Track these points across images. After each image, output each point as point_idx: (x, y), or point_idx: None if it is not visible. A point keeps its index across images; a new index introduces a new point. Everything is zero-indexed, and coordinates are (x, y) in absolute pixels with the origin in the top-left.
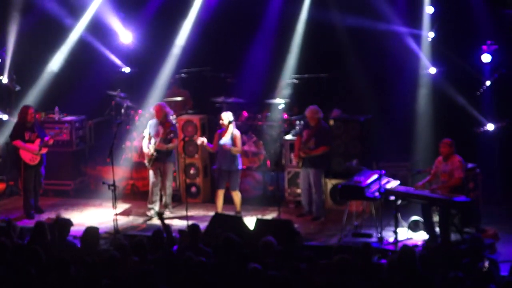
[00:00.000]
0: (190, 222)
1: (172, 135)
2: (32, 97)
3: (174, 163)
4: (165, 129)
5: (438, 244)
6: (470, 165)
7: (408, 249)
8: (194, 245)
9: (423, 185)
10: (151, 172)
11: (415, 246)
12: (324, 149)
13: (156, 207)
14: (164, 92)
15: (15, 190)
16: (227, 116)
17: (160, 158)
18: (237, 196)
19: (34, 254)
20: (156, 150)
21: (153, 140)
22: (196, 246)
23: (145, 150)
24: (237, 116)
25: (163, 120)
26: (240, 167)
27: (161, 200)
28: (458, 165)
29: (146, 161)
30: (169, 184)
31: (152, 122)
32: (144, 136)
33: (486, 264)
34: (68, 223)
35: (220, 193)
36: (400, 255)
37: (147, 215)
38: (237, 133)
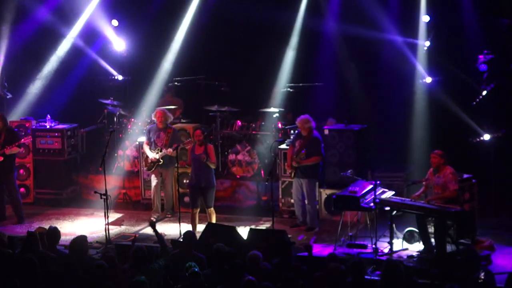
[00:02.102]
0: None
1: (184, 141)
2: (23, 104)
3: (175, 167)
4: (167, 135)
5: (433, 255)
6: (465, 176)
7: (392, 264)
8: (187, 252)
9: (419, 196)
10: (153, 176)
11: (411, 256)
12: (316, 159)
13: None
14: (157, 101)
15: (6, 199)
16: (202, 132)
17: (163, 164)
18: (213, 214)
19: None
20: (162, 156)
21: (152, 147)
22: (190, 253)
23: (150, 155)
24: (231, 125)
25: (164, 126)
26: (215, 182)
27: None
28: (451, 177)
29: (146, 166)
30: (170, 189)
31: (151, 127)
32: (138, 143)
33: (482, 275)
34: (57, 232)
35: (196, 212)
36: (385, 270)
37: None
38: (212, 145)
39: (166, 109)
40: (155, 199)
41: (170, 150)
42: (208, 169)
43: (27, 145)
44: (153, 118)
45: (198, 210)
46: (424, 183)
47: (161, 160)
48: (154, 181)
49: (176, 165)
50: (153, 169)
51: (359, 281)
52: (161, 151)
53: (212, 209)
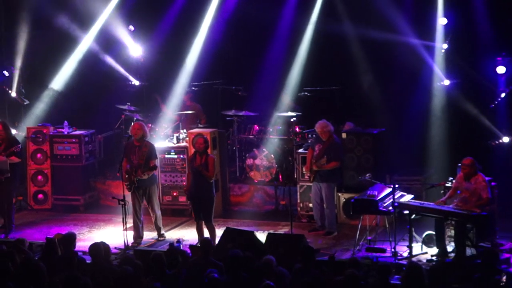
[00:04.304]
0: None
1: (152, 160)
2: (40, 111)
3: (157, 184)
4: (143, 153)
5: (452, 258)
6: (486, 179)
7: (414, 266)
8: (205, 259)
9: (444, 201)
10: (132, 198)
11: (430, 260)
12: (335, 164)
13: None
14: (175, 106)
15: (24, 205)
16: (204, 140)
17: (143, 183)
18: (212, 231)
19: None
20: (138, 179)
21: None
22: (208, 260)
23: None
24: (248, 130)
25: (140, 141)
26: (214, 195)
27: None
28: (484, 185)
29: (127, 186)
30: (157, 208)
31: (128, 142)
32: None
33: (504, 278)
34: (72, 236)
35: (201, 224)
36: (407, 272)
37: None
38: (213, 156)
39: (186, 114)
40: (137, 222)
41: (139, 172)
42: (206, 181)
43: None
44: (129, 131)
45: (203, 222)
46: (444, 185)
47: (136, 183)
48: (132, 205)
49: (157, 181)
50: (131, 190)
51: (384, 285)
52: (135, 172)
53: (211, 224)
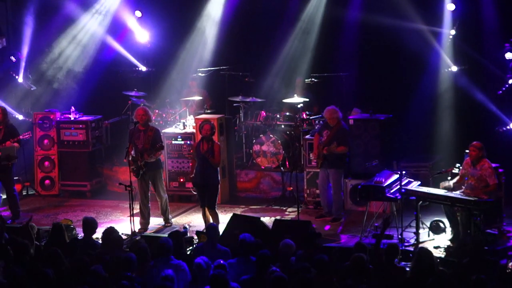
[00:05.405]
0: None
1: (161, 143)
2: (48, 96)
3: (162, 168)
4: (148, 138)
5: (458, 245)
6: (493, 165)
7: (425, 251)
8: (212, 245)
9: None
10: (139, 184)
11: (437, 247)
12: (343, 149)
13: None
14: (181, 92)
15: (31, 191)
16: (211, 127)
17: (149, 168)
18: (215, 216)
19: (53, 256)
20: (144, 163)
21: (133, 151)
22: (214, 246)
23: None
24: (255, 116)
25: (145, 126)
26: (219, 181)
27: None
28: (491, 172)
29: (133, 172)
30: (163, 192)
31: (134, 129)
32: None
33: (510, 265)
34: (94, 222)
35: (206, 210)
36: (418, 257)
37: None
38: (219, 143)
39: (191, 100)
40: (143, 209)
41: (146, 155)
42: (212, 167)
43: (25, 140)
44: (133, 118)
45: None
46: (451, 172)
47: (144, 168)
48: (140, 192)
49: (162, 165)
50: (139, 175)
51: (390, 264)
52: (142, 156)
53: (214, 211)
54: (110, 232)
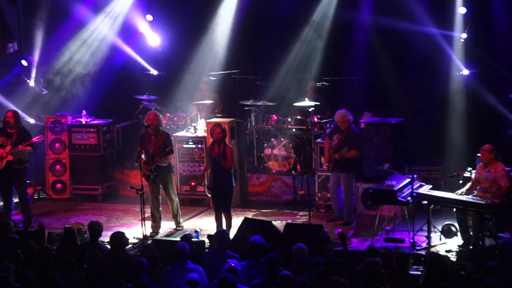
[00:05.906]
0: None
1: (170, 147)
2: (59, 100)
3: (174, 172)
4: (159, 142)
5: (471, 249)
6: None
7: (436, 256)
8: (221, 251)
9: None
10: (150, 188)
11: (449, 250)
12: (354, 153)
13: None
14: (192, 95)
15: (42, 195)
16: (222, 130)
17: (160, 172)
18: (229, 219)
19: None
20: (156, 167)
21: (144, 155)
22: (223, 252)
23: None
24: (266, 119)
25: (155, 130)
26: (233, 184)
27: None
28: (503, 173)
29: (144, 176)
30: (174, 196)
31: (145, 133)
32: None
33: None
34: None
35: (220, 214)
36: (429, 263)
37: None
38: (231, 146)
39: (203, 103)
40: (155, 212)
41: (158, 159)
42: (225, 170)
43: (37, 143)
44: (144, 121)
45: (222, 212)
46: (463, 176)
47: (154, 173)
48: (151, 197)
49: (173, 169)
50: (149, 181)
51: (403, 273)
52: (152, 160)
53: (229, 214)
54: (118, 236)
